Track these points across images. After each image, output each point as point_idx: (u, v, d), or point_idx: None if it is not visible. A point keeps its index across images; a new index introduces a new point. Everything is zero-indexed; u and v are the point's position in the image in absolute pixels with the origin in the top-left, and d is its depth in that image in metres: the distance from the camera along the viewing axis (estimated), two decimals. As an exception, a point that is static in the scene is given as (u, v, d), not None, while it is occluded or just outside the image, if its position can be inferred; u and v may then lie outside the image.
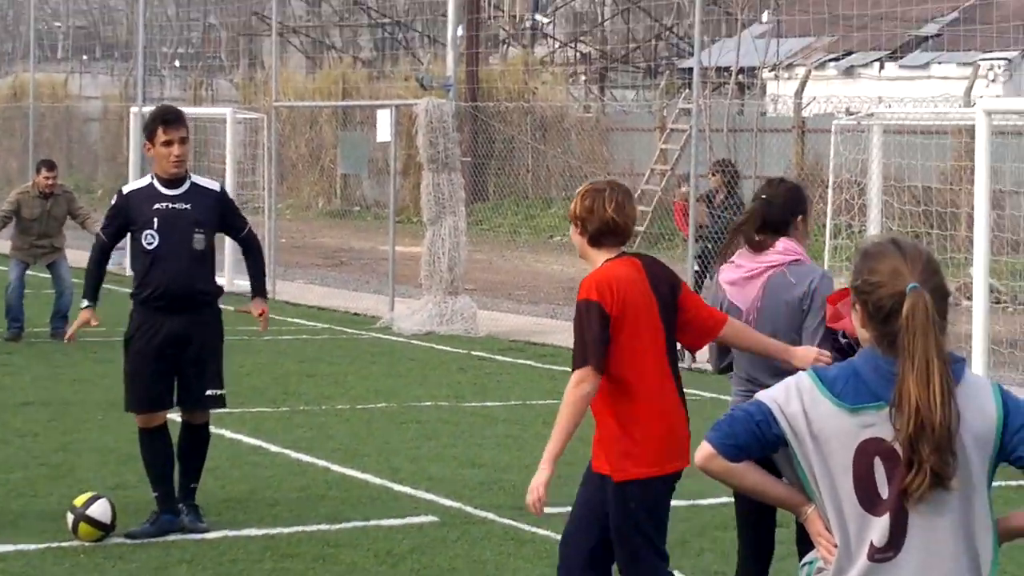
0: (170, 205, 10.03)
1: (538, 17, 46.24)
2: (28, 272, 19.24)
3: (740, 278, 7.36)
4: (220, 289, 10.64)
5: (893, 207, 17.80)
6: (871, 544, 4.22)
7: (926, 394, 4.12)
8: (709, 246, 18.06)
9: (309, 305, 23.85)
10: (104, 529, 9.70)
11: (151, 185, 10.13)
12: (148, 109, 28.27)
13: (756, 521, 7.31)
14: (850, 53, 36.88)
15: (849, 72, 36.48)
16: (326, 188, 45.15)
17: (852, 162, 17.82)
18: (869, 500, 4.21)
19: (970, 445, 4.23)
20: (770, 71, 37.58)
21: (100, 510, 9.72)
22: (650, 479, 6.87)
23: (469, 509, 10.87)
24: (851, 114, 19.20)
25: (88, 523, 9.67)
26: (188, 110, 39.87)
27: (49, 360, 17.49)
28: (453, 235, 21.18)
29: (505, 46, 44.89)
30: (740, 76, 37.63)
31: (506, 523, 10.51)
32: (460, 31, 26.14)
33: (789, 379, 4.37)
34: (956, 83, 32.05)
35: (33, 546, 9.62)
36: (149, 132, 10.10)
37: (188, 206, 10.02)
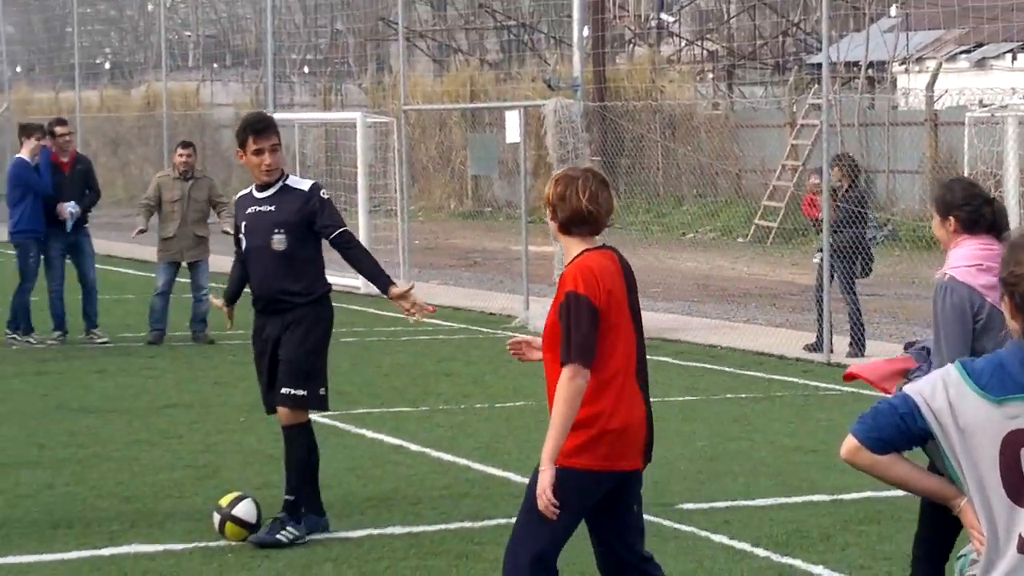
0: (257, 208, 10.10)
1: (663, 16, 46.11)
2: (175, 277, 19.23)
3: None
4: (316, 288, 10.28)
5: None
6: (1020, 537, 4.12)
7: None
8: (836, 238, 18.14)
9: (444, 305, 23.88)
10: (250, 529, 9.76)
11: (250, 191, 10.26)
12: (279, 115, 28.55)
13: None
14: (981, 45, 36.43)
15: (981, 64, 36.04)
16: (457, 190, 45.29)
17: (987, 154, 17.67)
18: (1017, 492, 4.13)
19: None
20: (900, 65, 37.20)
21: (245, 510, 9.80)
22: (590, 471, 6.69)
23: (610, 506, 10.83)
24: (984, 106, 18.96)
25: (234, 523, 9.75)
26: (318, 115, 40.36)
27: (190, 363, 17.70)
28: (586, 234, 21.14)
29: (631, 46, 44.80)
30: (870, 70, 37.33)
31: (647, 519, 10.44)
32: (586, 31, 26.09)
33: (937, 371, 4.31)
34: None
35: (181, 546, 9.72)
36: (240, 141, 10.10)
37: (272, 208, 10.02)
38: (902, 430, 4.27)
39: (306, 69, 57.34)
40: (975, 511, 4.23)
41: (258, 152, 9.99)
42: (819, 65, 29.84)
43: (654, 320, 21.99)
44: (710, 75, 43.73)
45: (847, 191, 18.64)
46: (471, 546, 9.74)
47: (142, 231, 19.04)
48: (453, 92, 44.81)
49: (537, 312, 21.37)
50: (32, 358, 18.00)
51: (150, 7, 62.47)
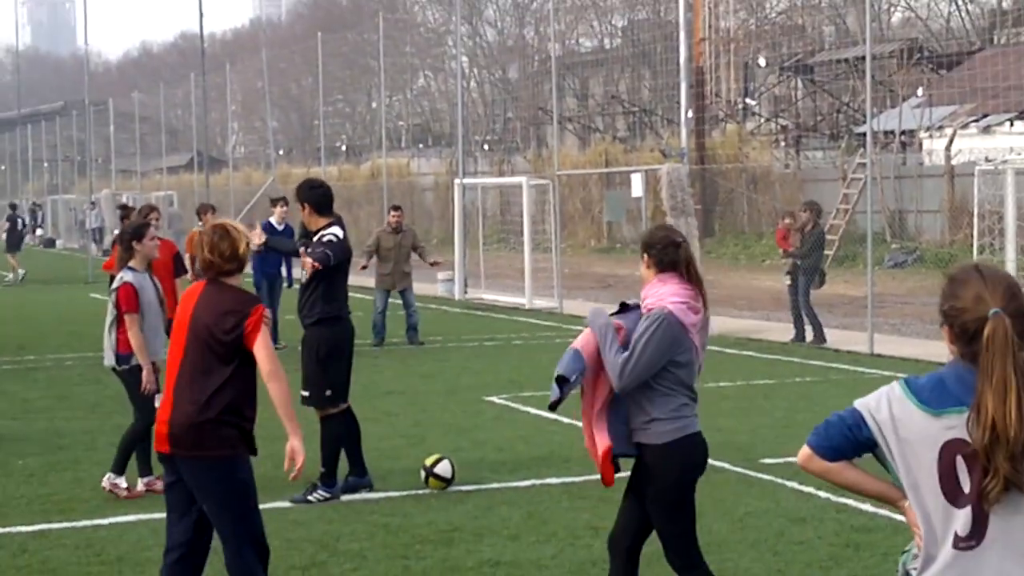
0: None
1: (748, 100, 45.72)
2: (388, 300, 19.54)
3: (699, 320, 5.97)
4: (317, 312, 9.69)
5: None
6: (955, 534, 3.59)
7: (1002, 409, 3.50)
8: (799, 263, 18.55)
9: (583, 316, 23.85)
10: (447, 482, 9.81)
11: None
12: (467, 181, 28.73)
13: None
14: (987, 115, 35.66)
15: (987, 130, 35.25)
16: (595, 232, 45.26)
17: (992, 197, 17.30)
18: (953, 494, 3.59)
19: None
20: (925, 131, 36.57)
21: (444, 468, 9.86)
22: None
23: (711, 462, 10.71)
24: (989, 161, 18.59)
25: (435, 478, 9.81)
26: (495, 180, 40.32)
27: (404, 361, 17.83)
28: (690, 262, 21.05)
29: (723, 123, 44.46)
30: (902, 136, 36.73)
31: (738, 471, 10.39)
32: (690, 113, 25.95)
33: (883, 388, 3.76)
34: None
35: (397, 493, 9.79)
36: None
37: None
38: (849, 439, 3.75)
39: (486, 147, 57.71)
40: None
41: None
42: (864, 134, 29.46)
43: (741, 324, 21.87)
44: (782, 143, 43.28)
45: (812, 228, 18.74)
46: (607, 492, 9.70)
47: (364, 267, 19.24)
48: (593, 160, 44.83)
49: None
50: (283, 358, 18.23)
51: (373, 104, 63.23)
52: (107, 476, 9.73)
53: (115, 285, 9.73)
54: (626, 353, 5.82)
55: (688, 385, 5.97)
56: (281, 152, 60.16)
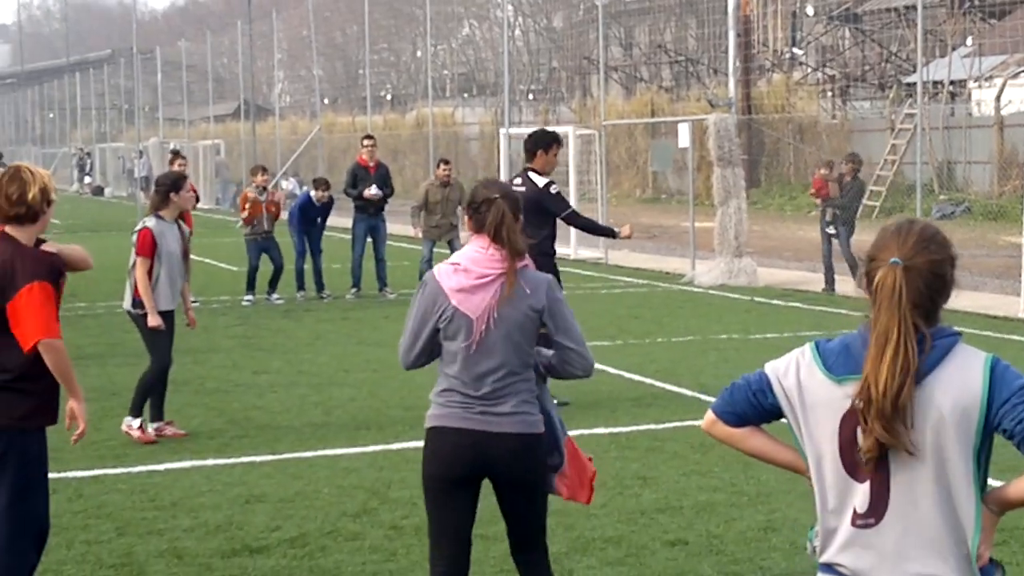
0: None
1: (795, 50, 45.26)
2: (435, 249, 19.61)
3: (470, 285, 4.98)
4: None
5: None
6: (854, 510, 3.32)
7: (876, 365, 3.23)
8: (838, 212, 18.74)
9: (633, 267, 23.88)
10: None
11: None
12: (513, 131, 28.63)
13: None
14: (1038, 65, 35.21)
15: (1037, 79, 34.82)
16: (641, 182, 45.12)
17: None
18: (852, 466, 3.31)
19: (948, 418, 3.24)
20: (975, 82, 36.12)
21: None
22: None
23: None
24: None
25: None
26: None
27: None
28: (737, 212, 20.98)
29: (770, 72, 44.06)
30: (951, 86, 36.30)
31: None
32: (737, 63, 25.73)
33: (796, 350, 3.47)
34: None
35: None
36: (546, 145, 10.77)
37: (523, 189, 10.45)
38: (754, 405, 3.48)
39: (531, 96, 57.49)
40: None
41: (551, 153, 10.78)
42: (913, 84, 29.12)
43: (787, 276, 21.77)
44: (829, 93, 42.86)
45: (852, 179, 18.93)
46: (655, 442, 9.75)
47: (419, 229, 19.47)
48: (638, 110, 44.62)
49: (702, 271, 21.28)
50: (338, 306, 18.37)
51: (418, 54, 63.07)
52: (125, 419, 9.91)
53: (137, 228, 9.83)
54: None
55: (457, 364, 4.99)
56: (326, 101, 60.11)
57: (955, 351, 3.31)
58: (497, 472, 5.02)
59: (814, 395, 3.37)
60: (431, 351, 5.07)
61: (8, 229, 5.61)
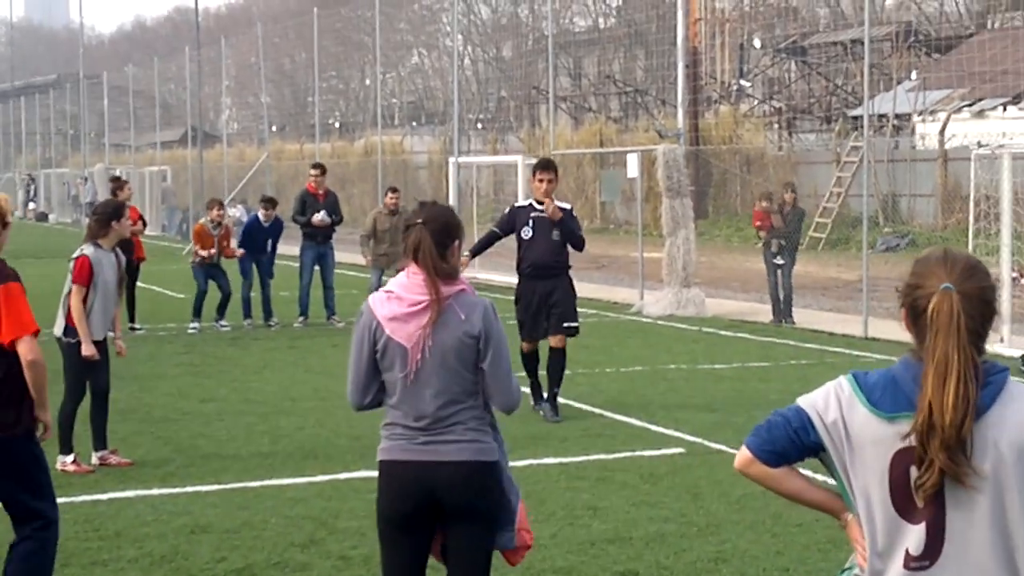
0: (540, 215, 11.77)
1: (742, 82, 45.65)
2: (383, 277, 19.53)
3: (403, 313, 4.84)
4: (568, 263, 12.16)
5: (1021, 215, 17.15)
6: (907, 552, 3.19)
7: (940, 393, 3.10)
8: (783, 243, 19.13)
9: (582, 297, 23.77)
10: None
11: (530, 203, 11.97)
12: (462, 159, 28.63)
13: None
14: (980, 99, 35.65)
15: (980, 114, 35.24)
16: (590, 212, 45.22)
17: (988, 182, 17.29)
18: (905, 507, 3.18)
19: (1007, 456, 3.14)
20: (919, 115, 36.55)
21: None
22: None
23: (707, 443, 10.77)
24: (982, 146, 18.51)
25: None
26: (489, 159, 40.18)
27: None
28: (685, 243, 21.06)
29: (718, 104, 44.40)
30: (896, 120, 36.72)
31: (734, 452, 10.35)
32: (685, 94, 25.91)
33: (830, 384, 3.32)
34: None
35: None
36: (532, 172, 11.96)
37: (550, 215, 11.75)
38: (795, 443, 3.31)
39: (479, 125, 57.58)
40: (860, 526, 3.28)
41: (540, 181, 11.72)
42: (859, 117, 29.40)
43: (736, 306, 21.87)
44: (776, 125, 43.25)
45: (792, 208, 19.32)
46: (605, 472, 9.71)
47: (368, 257, 19.47)
48: (587, 140, 44.75)
49: (650, 301, 21.32)
50: (285, 334, 18.25)
51: (367, 82, 63.04)
52: (58, 458, 9.69)
53: (74, 255, 9.71)
54: None
55: (397, 395, 4.85)
56: (275, 128, 59.93)
57: (1008, 387, 3.23)
58: (444, 501, 4.78)
59: (860, 433, 3.23)
60: (379, 386, 4.89)
61: None
